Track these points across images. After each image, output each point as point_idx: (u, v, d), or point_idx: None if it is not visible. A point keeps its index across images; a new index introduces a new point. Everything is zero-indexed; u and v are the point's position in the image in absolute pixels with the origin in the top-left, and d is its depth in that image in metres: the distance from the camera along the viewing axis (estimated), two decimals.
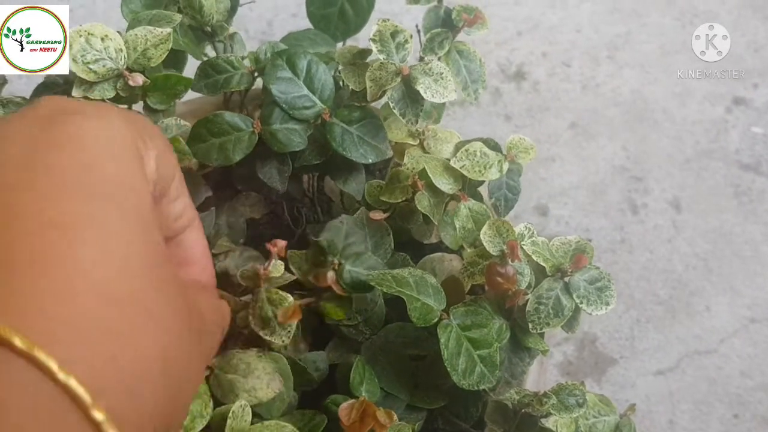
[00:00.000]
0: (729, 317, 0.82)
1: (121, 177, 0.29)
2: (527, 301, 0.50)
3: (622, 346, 0.80)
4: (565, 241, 0.52)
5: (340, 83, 0.56)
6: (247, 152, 0.52)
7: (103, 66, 0.48)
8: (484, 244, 0.49)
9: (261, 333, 0.44)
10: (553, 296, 0.49)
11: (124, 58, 0.49)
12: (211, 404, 0.42)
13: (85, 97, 0.48)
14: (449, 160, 0.52)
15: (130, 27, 0.51)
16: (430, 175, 0.51)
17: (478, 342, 0.48)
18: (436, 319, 0.48)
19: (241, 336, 0.46)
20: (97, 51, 0.48)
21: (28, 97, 0.52)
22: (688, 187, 0.91)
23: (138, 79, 0.49)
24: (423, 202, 0.51)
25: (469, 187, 0.53)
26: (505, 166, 0.52)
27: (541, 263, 0.49)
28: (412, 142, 0.55)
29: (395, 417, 0.44)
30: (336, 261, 0.48)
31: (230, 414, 0.42)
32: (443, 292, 0.49)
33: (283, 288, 0.46)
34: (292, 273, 0.48)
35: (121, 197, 0.28)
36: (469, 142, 0.54)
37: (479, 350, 0.48)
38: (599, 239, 0.86)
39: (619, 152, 0.93)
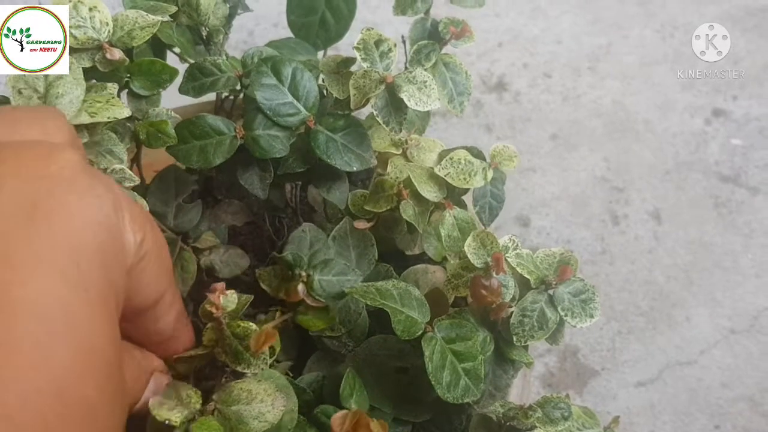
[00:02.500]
0: (709, 328, 0.83)
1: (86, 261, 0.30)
2: (511, 313, 0.49)
3: (603, 357, 0.80)
4: (549, 253, 0.51)
5: (323, 92, 0.56)
6: (227, 156, 0.51)
7: (84, 33, 0.48)
8: (469, 256, 0.49)
9: (238, 368, 0.43)
10: (537, 309, 0.49)
11: (108, 32, 0.48)
12: None
13: None
14: (433, 168, 0.52)
15: None
16: (415, 184, 0.50)
17: (463, 355, 0.47)
18: (420, 332, 0.47)
19: (226, 369, 0.45)
20: (81, 18, 0.48)
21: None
22: (669, 199, 0.91)
23: (116, 54, 0.48)
24: (408, 211, 0.51)
25: (453, 196, 0.53)
26: (490, 174, 0.52)
27: (526, 275, 0.49)
28: (395, 151, 0.55)
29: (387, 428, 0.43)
30: (304, 273, 0.48)
31: None
32: (427, 305, 0.49)
33: (255, 304, 0.45)
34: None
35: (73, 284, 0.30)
36: (452, 150, 0.53)
37: (464, 363, 0.47)
38: (580, 250, 0.86)
39: (600, 163, 0.93)
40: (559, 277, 0.48)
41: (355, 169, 0.53)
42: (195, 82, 0.54)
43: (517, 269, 0.49)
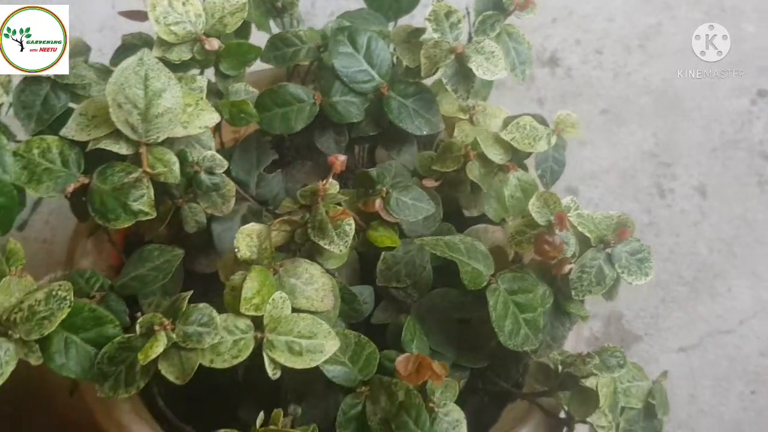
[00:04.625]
0: (749, 299, 0.85)
1: None
2: (570, 270, 0.52)
3: (647, 323, 0.83)
4: (607, 216, 0.54)
5: (394, 60, 0.59)
6: (308, 122, 0.55)
7: (183, 29, 0.52)
8: (533, 214, 0.52)
9: (321, 243, 0.48)
10: (596, 266, 0.52)
11: (203, 23, 0.52)
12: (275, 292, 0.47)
13: (164, 57, 0.51)
14: (499, 133, 0.55)
15: None
16: (482, 146, 0.54)
17: (524, 306, 0.51)
18: (485, 283, 0.51)
19: (298, 252, 0.50)
20: (178, 14, 0.52)
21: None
22: (714, 175, 0.93)
23: (214, 44, 0.52)
24: (474, 171, 0.54)
25: (517, 159, 0.56)
26: (554, 139, 0.55)
27: (587, 234, 0.52)
28: (462, 117, 0.58)
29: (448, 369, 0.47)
30: (384, 189, 0.52)
31: (270, 301, 0.46)
32: (491, 259, 0.52)
33: None
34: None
35: None
36: (517, 117, 0.56)
37: (524, 314, 0.51)
38: None
39: (648, 139, 0.95)
40: (618, 236, 0.52)
41: (425, 133, 0.56)
42: (277, 52, 0.58)
43: (579, 228, 0.52)
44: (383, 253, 0.54)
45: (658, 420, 0.55)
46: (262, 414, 0.47)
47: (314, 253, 0.51)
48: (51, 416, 0.73)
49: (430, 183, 0.55)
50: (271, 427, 0.46)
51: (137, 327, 0.45)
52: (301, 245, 0.51)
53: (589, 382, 0.51)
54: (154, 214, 0.49)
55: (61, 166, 0.49)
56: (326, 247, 0.49)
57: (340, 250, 0.49)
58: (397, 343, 0.52)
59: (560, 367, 0.52)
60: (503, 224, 0.60)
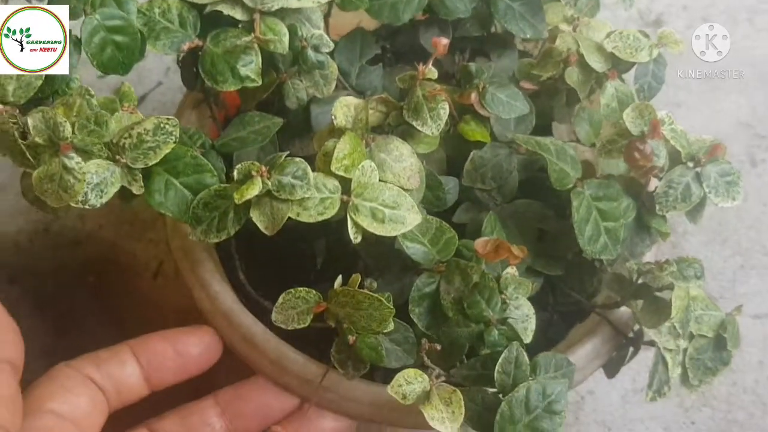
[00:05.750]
0: None
1: None
2: (656, 187, 0.53)
3: (723, 287, 0.82)
4: (700, 138, 0.54)
5: None
6: (415, 13, 0.57)
7: None
8: (627, 124, 0.52)
9: (414, 123, 0.50)
10: (683, 182, 0.52)
11: None
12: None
13: None
14: (601, 42, 0.55)
15: None
16: (583, 52, 0.54)
17: (607, 214, 0.51)
18: (571, 185, 0.51)
19: (391, 134, 0.52)
20: None
21: None
22: None
23: None
24: (573, 77, 0.54)
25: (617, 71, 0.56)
26: (656, 52, 0.55)
27: (678, 149, 0.52)
28: (565, 27, 0.58)
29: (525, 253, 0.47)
30: (481, 83, 0.53)
31: (359, 168, 0.47)
32: (580, 164, 0.53)
33: None
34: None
35: None
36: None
37: (606, 222, 0.51)
38: None
39: (746, 110, 0.94)
40: (710, 154, 0.52)
41: (528, 36, 0.57)
42: None
43: (671, 142, 0.52)
44: (472, 152, 0.55)
45: (727, 352, 0.54)
46: (340, 278, 0.49)
47: (406, 137, 0.52)
48: (132, 295, 0.76)
49: (527, 85, 0.56)
50: (349, 287, 0.47)
51: (235, 173, 0.47)
52: (394, 127, 0.52)
53: (664, 294, 0.51)
54: (260, 82, 0.51)
55: (178, 26, 0.52)
56: (419, 128, 0.50)
57: (432, 132, 0.50)
58: (476, 237, 0.52)
59: (635, 277, 0.52)
60: (593, 148, 0.60)
